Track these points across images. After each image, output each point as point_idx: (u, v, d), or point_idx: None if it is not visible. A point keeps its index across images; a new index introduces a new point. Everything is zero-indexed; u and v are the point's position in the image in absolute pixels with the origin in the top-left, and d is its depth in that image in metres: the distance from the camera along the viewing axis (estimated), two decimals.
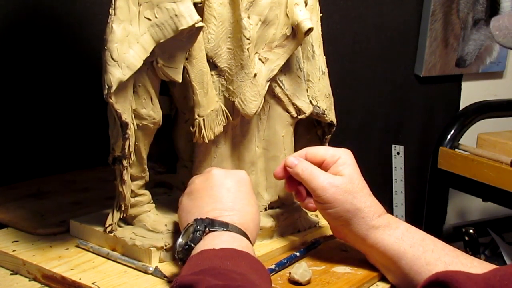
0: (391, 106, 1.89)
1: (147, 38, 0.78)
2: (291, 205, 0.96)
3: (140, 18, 0.77)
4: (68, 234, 0.92)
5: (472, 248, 1.72)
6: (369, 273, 0.85)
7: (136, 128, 0.82)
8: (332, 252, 0.91)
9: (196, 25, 0.78)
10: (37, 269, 0.83)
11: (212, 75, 0.87)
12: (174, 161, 0.97)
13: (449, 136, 1.67)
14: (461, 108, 1.98)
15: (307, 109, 0.94)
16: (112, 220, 0.86)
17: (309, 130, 1.00)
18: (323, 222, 0.99)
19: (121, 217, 0.86)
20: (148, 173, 0.88)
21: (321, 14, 0.95)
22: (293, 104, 0.93)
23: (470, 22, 1.93)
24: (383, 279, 0.86)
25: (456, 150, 1.65)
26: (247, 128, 0.91)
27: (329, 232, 0.97)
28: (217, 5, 0.84)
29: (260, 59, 0.88)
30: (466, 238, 1.73)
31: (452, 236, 1.80)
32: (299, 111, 0.94)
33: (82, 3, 1.24)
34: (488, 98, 1.91)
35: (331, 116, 0.97)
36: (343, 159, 0.85)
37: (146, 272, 0.82)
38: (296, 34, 0.89)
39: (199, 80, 0.84)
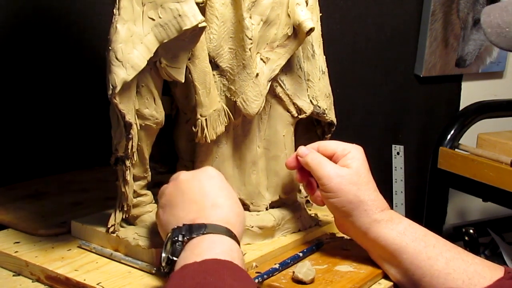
0: (391, 106, 1.89)
1: (151, 38, 0.78)
2: (292, 205, 0.96)
3: (144, 18, 0.77)
4: (70, 235, 0.91)
5: (472, 248, 1.72)
6: (372, 271, 0.86)
7: (139, 128, 0.82)
8: (334, 251, 0.91)
9: (199, 25, 0.78)
10: (40, 270, 0.83)
11: (214, 75, 0.87)
12: (175, 161, 0.97)
13: (449, 136, 1.67)
14: (461, 108, 1.98)
15: (308, 109, 0.94)
16: (115, 221, 0.86)
17: (308, 130, 1.01)
18: (323, 221, 0.99)
19: (124, 217, 0.86)
20: (150, 173, 0.88)
21: (321, 14, 0.95)
22: (294, 104, 0.93)
23: (470, 22, 1.93)
24: (385, 277, 0.86)
25: (456, 150, 1.65)
26: (249, 128, 0.91)
27: (329, 231, 0.97)
28: (219, 5, 0.84)
29: (261, 59, 0.88)
30: (466, 238, 1.73)
31: (452, 236, 1.79)
32: (300, 110, 0.94)
33: (82, 3, 1.24)
34: (488, 98, 1.90)
35: (331, 116, 0.97)
36: (352, 153, 0.87)
37: (150, 272, 0.82)
38: (298, 34, 0.89)
39: (202, 80, 0.84)
